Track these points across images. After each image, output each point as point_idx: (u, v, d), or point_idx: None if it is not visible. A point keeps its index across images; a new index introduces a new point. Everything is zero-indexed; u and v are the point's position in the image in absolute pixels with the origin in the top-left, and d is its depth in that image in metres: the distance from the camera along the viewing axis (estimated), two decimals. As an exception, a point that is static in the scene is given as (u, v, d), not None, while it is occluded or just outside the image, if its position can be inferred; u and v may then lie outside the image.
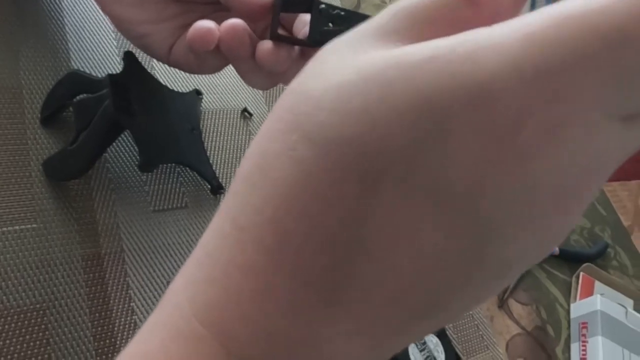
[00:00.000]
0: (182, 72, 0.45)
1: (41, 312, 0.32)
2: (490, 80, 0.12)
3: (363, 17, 0.31)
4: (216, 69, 0.34)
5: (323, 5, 0.30)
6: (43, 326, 0.32)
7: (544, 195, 0.13)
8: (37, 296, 0.32)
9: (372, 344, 0.15)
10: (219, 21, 0.31)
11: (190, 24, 0.33)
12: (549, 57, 0.12)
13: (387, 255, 0.14)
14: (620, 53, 0.11)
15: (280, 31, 0.31)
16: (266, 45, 0.30)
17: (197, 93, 0.43)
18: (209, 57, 0.33)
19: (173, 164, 0.41)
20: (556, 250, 0.53)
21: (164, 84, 0.40)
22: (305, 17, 0.32)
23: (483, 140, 0.12)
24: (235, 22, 0.30)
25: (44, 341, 0.32)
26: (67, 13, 0.43)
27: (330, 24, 0.30)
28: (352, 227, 0.13)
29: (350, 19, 0.31)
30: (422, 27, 0.15)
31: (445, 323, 0.16)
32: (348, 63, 0.14)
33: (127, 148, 0.39)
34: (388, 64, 0.13)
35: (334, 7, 0.30)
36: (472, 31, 0.13)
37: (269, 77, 0.32)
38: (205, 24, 0.30)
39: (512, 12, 0.15)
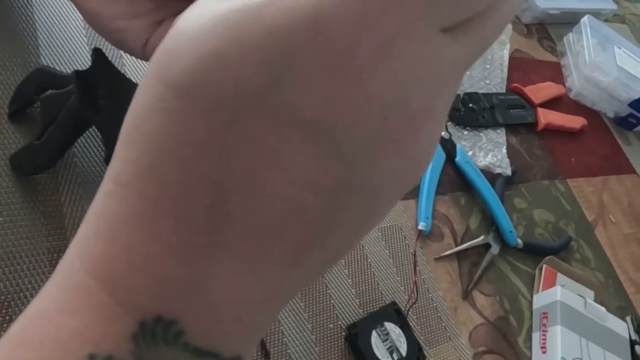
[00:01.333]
0: (152, 69, 0.45)
1: (6, 303, 0.33)
2: (321, 9, 0.13)
3: None
4: None
5: None
6: (8, 317, 0.32)
7: (392, 114, 0.14)
8: (1, 288, 0.33)
9: (261, 280, 0.16)
10: None
11: (164, 20, 0.34)
12: None
13: (258, 188, 0.14)
14: None
15: None
16: None
17: (166, 89, 0.44)
18: None
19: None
20: (520, 243, 0.55)
21: (134, 80, 0.40)
22: None
23: (324, 67, 0.13)
24: None
25: (9, 332, 0.32)
26: (37, 8, 0.43)
27: None
28: (223, 165, 0.14)
29: None
30: None
31: (337, 256, 0.17)
32: (204, 14, 0.15)
33: (94, 143, 0.40)
34: (234, 8, 0.14)
35: None
36: None
37: None
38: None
39: None
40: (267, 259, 0.15)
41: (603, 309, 0.51)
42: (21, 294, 0.33)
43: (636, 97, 0.75)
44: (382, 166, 0.15)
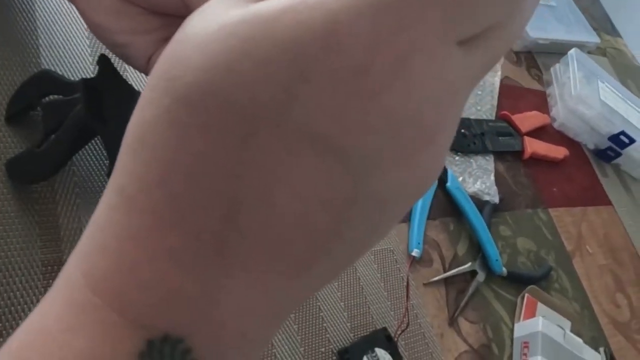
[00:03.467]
0: (156, 77, 0.44)
1: (-3, 317, 0.31)
2: (334, 24, 0.13)
3: None
4: None
5: None
6: (-2, 332, 0.31)
7: (405, 128, 0.14)
8: (-8, 301, 0.32)
9: (267, 293, 0.16)
10: None
11: (167, 38, 0.33)
12: None
13: (268, 203, 0.14)
14: None
15: None
16: None
17: (170, 99, 0.43)
18: None
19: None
20: (504, 271, 0.56)
21: (137, 88, 0.39)
22: None
23: (337, 83, 0.13)
24: None
25: (-2, 348, 0.31)
26: (39, 7, 0.41)
27: None
28: (234, 180, 0.14)
29: None
30: None
31: (340, 268, 0.17)
32: (211, 23, 0.15)
33: (93, 152, 0.39)
34: (247, 19, 0.14)
35: None
36: None
37: None
38: None
39: None
40: (274, 272, 0.15)
41: (580, 340, 0.53)
42: (12, 308, 0.32)
43: (616, 132, 0.78)
44: (390, 180, 0.15)
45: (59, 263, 0.35)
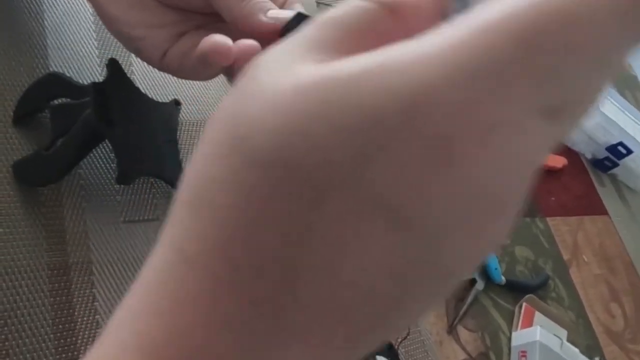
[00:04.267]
0: (162, 82, 0.44)
1: (2, 321, 0.31)
2: (420, 92, 0.13)
3: None
4: (211, 77, 0.34)
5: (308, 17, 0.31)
6: (3, 336, 0.31)
7: (482, 200, 0.13)
8: (-2, 304, 0.32)
9: None
10: (214, 32, 0.31)
11: (186, 32, 0.34)
12: (473, 65, 0.12)
13: (332, 272, 0.14)
14: (534, 53, 0.12)
15: None
16: None
17: (176, 103, 0.43)
18: (212, 68, 0.33)
19: (150, 177, 0.40)
20: (503, 280, 0.56)
21: (144, 91, 0.39)
22: None
23: (416, 153, 0.13)
24: (251, 43, 0.30)
25: (4, 352, 0.31)
26: (48, 8, 0.41)
27: None
28: (300, 247, 0.14)
29: None
30: (350, 39, 0.15)
31: (395, 334, 0.17)
32: (283, 80, 0.14)
33: (100, 156, 0.39)
34: (323, 81, 0.13)
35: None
36: (400, 44, 0.14)
37: None
38: (224, 40, 0.30)
39: (432, 20, 0.16)
40: (330, 343, 0.15)
41: (577, 350, 0.53)
42: (18, 311, 0.32)
43: (614, 142, 0.78)
44: (457, 251, 0.15)
45: (65, 266, 0.34)
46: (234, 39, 0.30)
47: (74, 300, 0.34)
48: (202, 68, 0.33)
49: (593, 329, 0.63)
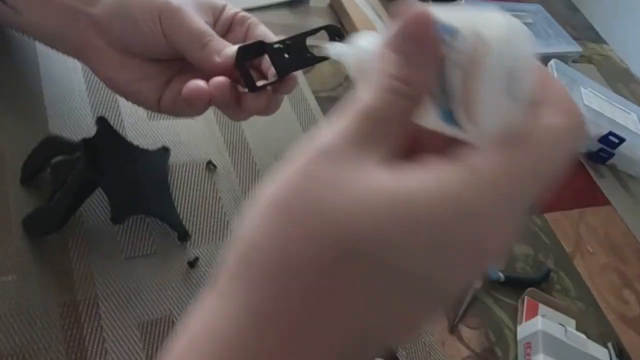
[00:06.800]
0: (151, 132, 0.49)
1: (20, 356, 0.35)
2: (458, 208, 0.17)
3: (305, 35, 0.38)
4: (201, 113, 0.40)
5: (275, 45, 0.37)
6: (23, 369, 0.35)
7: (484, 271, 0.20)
8: (16, 341, 0.36)
9: None
10: (194, 74, 0.38)
11: (170, 80, 0.40)
12: (499, 192, 0.18)
13: (384, 338, 0.19)
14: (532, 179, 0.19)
15: (259, 83, 0.37)
16: (249, 96, 0.37)
17: (165, 150, 0.48)
18: (197, 107, 0.39)
19: (142, 215, 0.45)
20: (501, 276, 0.58)
21: (135, 143, 0.44)
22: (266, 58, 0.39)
23: (459, 251, 0.18)
24: (221, 80, 0.36)
25: (24, 383, 0.35)
26: (46, 83, 0.47)
27: (286, 54, 0.37)
28: (368, 321, 0.18)
29: (297, 42, 0.38)
30: (387, 130, 0.19)
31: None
32: (360, 178, 0.18)
33: (99, 203, 0.43)
34: (399, 193, 0.17)
35: (281, 41, 0.37)
36: (445, 167, 0.18)
37: (250, 114, 0.40)
38: (199, 85, 0.36)
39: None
40: None
41: (583, 336, 0.54)
42: (35, 346, 0.36)
43: (604, 133, 0.80)
44: (457, 288, 0.20)
45: (74, 303, 0.39)
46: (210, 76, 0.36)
47: (84, 332, 0.38)
48: (189, 108, 0.39)
49: (605, 317, 0.63)
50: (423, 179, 0.18)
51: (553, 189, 0.21)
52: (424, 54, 0.19)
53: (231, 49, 0.36)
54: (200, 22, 0.37)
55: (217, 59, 0.36)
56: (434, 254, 0.17)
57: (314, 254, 0.17)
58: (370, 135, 0.19)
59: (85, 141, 0.39)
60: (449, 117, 0.19)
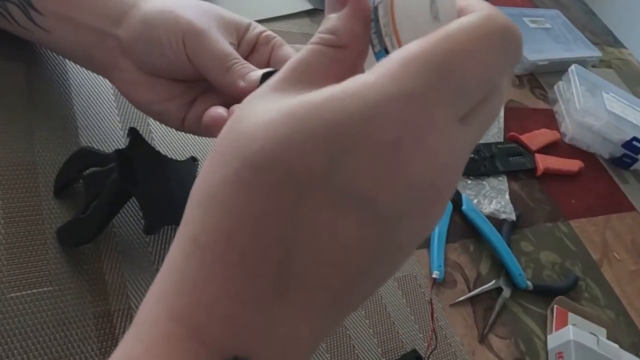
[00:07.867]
0: (180, 143, 0.50)
1: (58, 367, 0.35)
2: (371, 110, 0.18)
3: None
4: None
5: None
6: (60, 381, 0.35)
7: (423, 190, 0.18)
8: (53, 353, 0.36)
9: (309, 322, 0.19)
10: (216, 96, 0.39)
11: (194, 99, 0.40)
12: (404, 89, 0.18)
13: (316, 250, 0.18)
14: (447, 78, 0.18)
15: None
16: None
17: (193, 160, 0.48)
18: (218, 132, 0.39)
19: (173, 226, 0.45)
20: (530, 285, 0.57)
21: (163, 153, 0.44)
22: None
23: (373, 154, 0.18)
24: None
25: (61, 395, 0.35)
26: (75, 95, 0.48)
27: None
28: (290, 231, 0.18)
29: None
30: (312, 77, 0.20)
31: (365, 297, 0.21)
32: (270, 106, 0.19)
33: (131, 214, 0.44)
34: (299, 106, 0.18)
35: None
36: (354, 77, 0.19)
37: None
38: (219, 112, 0.36)
39: (365, 50, 0.22)
40: (315, 305, 0.19)
41: (616, 345, 0.53)
42: (71, 358, 0.36)
43: (628, 139, 0.79)
44: (409, 228, 0.19)
45: (108, 314, 0.39)
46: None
47: (119, 342, 0.38)
48: (209, 134, 0.39)
49: (636, 325, 0.62)
50: (328, 90, 0.18)
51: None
52: (344, 3, 0.21)
53: (256, 74, 0.36)
54: (224, 44, 0.37)
55: (242, 84, 0.36)
56: (346, 157, 0.18)
57: (224, 174, 0.19)
58: (290, 82, 0.20)
59: (118, 152, 0.39)
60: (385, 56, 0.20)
